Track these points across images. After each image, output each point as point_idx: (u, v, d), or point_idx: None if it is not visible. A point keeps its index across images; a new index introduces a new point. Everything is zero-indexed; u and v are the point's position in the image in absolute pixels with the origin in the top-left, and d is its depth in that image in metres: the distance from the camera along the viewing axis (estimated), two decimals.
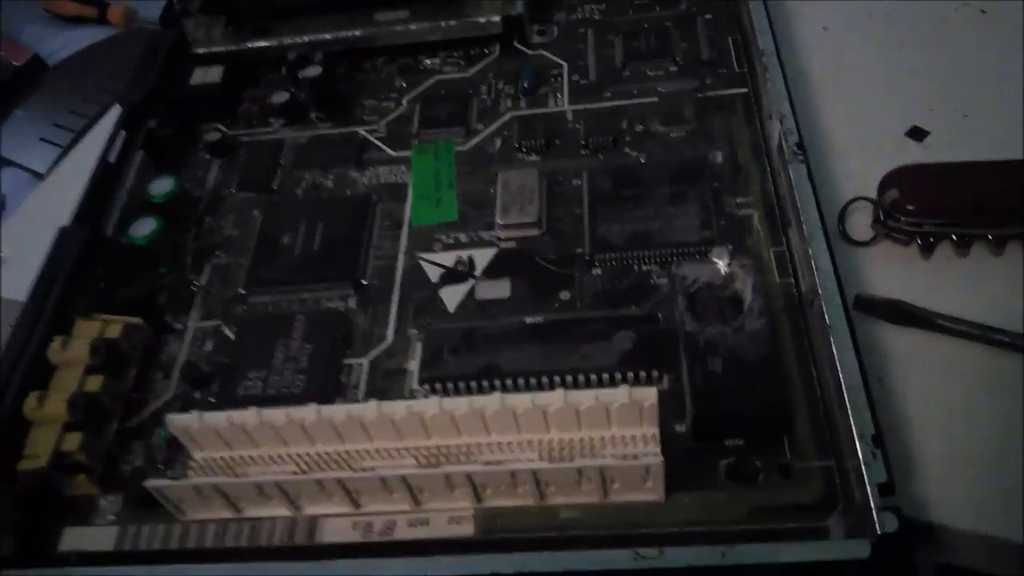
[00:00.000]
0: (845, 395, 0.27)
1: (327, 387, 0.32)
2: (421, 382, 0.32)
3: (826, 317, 0.29)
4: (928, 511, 0.28)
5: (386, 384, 0.32)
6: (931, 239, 0.34)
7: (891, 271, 0.34)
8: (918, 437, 0.30)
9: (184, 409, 0.31)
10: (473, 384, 0.31)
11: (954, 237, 0.34)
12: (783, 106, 0.36)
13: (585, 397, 0.27)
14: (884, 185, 0.35)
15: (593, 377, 0.31)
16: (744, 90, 0.40)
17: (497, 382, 0.31)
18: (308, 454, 0.30)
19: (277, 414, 0.29)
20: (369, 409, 0.28)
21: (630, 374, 0.30)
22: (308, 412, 0.29)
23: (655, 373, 0.30)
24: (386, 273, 0.36)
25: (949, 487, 0.28)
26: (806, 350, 0.30)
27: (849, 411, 0.27)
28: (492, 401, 0.28)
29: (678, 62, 0.41)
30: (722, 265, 0.32)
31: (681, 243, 0.34)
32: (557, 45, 0.44)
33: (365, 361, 0.33)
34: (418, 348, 0.33)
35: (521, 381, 0.31)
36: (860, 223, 0.36)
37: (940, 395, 0.30)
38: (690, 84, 0.38)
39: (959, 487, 0.28)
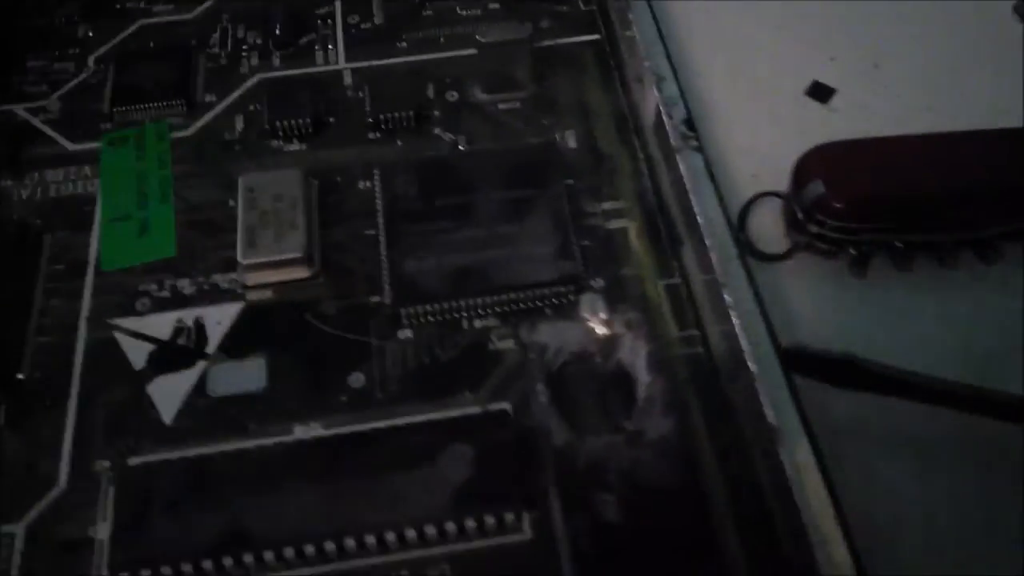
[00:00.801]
0: (812, 545, 0.17)
1: None
2: (114, 567, 0.18)
3: (766, 408, 0.19)
4: None
5: (56, 571, 0.19)
6: (865, 248, 0.24)
7: (812, 296, 0.24)
8: (886, 537, 0.20)
9: None
10: (207, 566, 0.18)
11: (898, 245, 0.24)
12: (658, 63, 0.24)
13: None
14: (801, 173, 0.25)
15: (412, 534, 0.19)
16: (595, 37, 0.28)
17: (249, 559, 0.18)
18: None
19: None
20: None
21: (471, 522, 0.19)
22: None
23: (510, 516, 0.19)
24: (57, 358, 0.22)
25: None
26: (731, 459, 0.20)
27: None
28: None
29: None
30: (596, 323, 0.20)
31: (532, 283, 0.22)
32: None
33: (19, 529, 0.19)
34: (111, 499, 0.20)
35: (291, 553, 0.18)
36: (765, 228, 0.26)
37: (911, 482, 0.21)
38: (522, 30, 0.26)
39: None
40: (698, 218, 0.22)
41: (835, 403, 0.22)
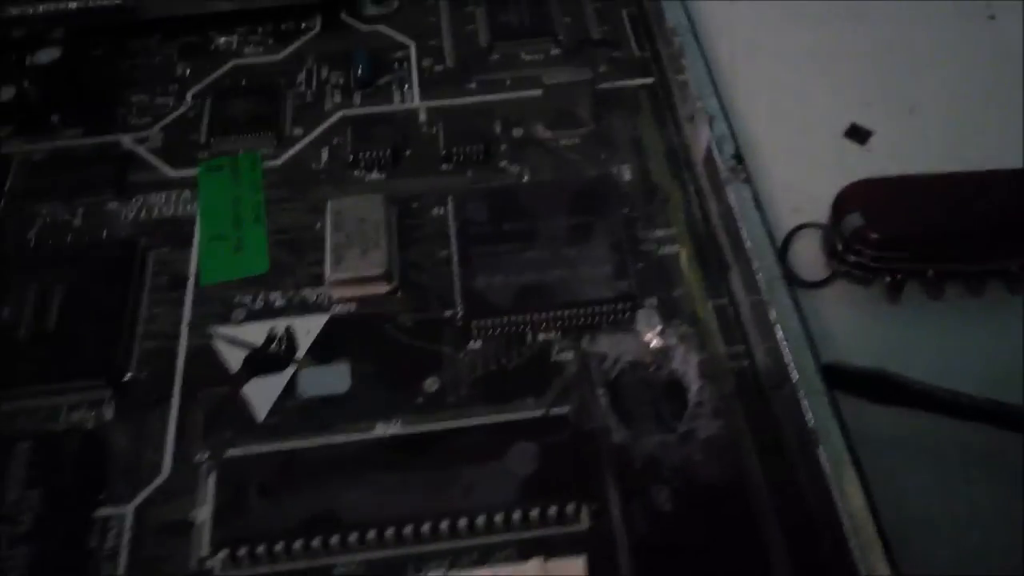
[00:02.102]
0: (847, 537, 0.19)
1: (66, 563, 0.20)
2: (216, 545, 0.21)
3: (806, 412, 0.20)
4: None
5: (161, 549, 0.21)
6: (899, 277, 0.26)
7: (850, 321, 0.26)
8: (918, 553, 0.22)
9: None
10: (297, 546, 0.20)
11: (930, 274, 0.26)
12: (710, 103, 0.27)
13: None
14: (841, 207, 0.27)
15: (481, 520, 0.21)
16: (649, 80, 0.30)
17: (335, 540, 0.20)
18: None
19: None
20: None
21: (534, 512, 0.21)
22: None
23: (570, 508, 0.21)
24: (161, 361, 0.24)
25: None
26: (773, 457, 0.22)
27: (857, 564, 0.18)
28: None
29: (561, 42, 0.31)
30: (651, 335, 0.22)
31: (591, 300, 0.24)
32: (400, 18, 0.33)
33: (128, 511, 0.22)
34: (210, 486, 0.22)
35: (372, 536, 0.20)
36: (806, 257, 0.27)
37: (942, 493, 0.23)
38: (583, 73, 0.28)
39: None
40: (746, 244, 0.24)
41: (871, 418, 0.23)
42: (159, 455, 0.23)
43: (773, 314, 0.22)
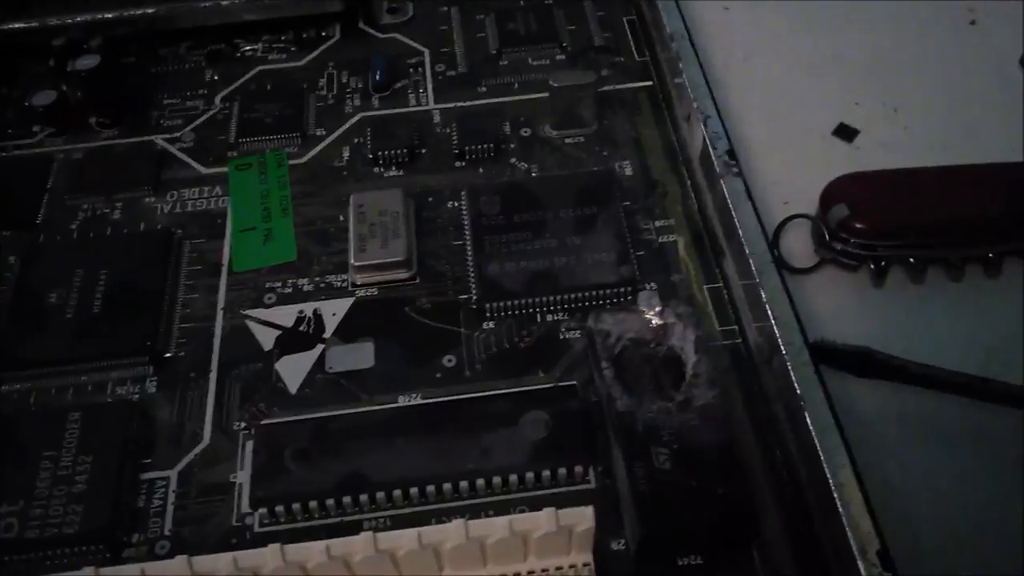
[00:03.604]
0: (833, 492, 0.21)
1: (117, 521, 0.22)
2: (254, 504, 0.23)
3: (794, 382, 0.22)
4: None
5: (204, 508, 0.23)
6: (883, 263, 0.28)
7: (838, 304, 0.28)
8: (900, 516, 0.24)
9: None
10: (330, 503, 0.22)
11: (912, 260, 0.28)
12: (705, 104, 0.29)
13: (495, 528, 0.19)
14: (827, 199, 0.29)
15: (497, 480, 0.23)
16: (648, 83, 0.33)
17: (364, 498, 0.22)
18: None
19: None
20: (175, 567, 0.19)
21: (546, 472, 0.23)
22: None
23: (578, 468, 0.23)
24: (198, 340, 0.26)
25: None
26: (763, 425, 0.24)
27: (841, 515, 0.20)
28: (359, 544, 0.19)
29: (565, 48, 0.34)
30: (652, 315, 0.24)
31: (596, 284, 0.26)
32: (414, 27, 0.35)
33: (172, 474, 0.24)
34: (248, 452, 0.24)
35: (398, 494, 0.22)
36: (795, 246, 0.30)
37: (922, 461, 0.25)
38: (587, 77, 0.30)
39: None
40: (739, 232, 0.26)
41: (847, 387, 0.25)
42: (199, 424, 0.24)
43: (764, 295, 0.24)
